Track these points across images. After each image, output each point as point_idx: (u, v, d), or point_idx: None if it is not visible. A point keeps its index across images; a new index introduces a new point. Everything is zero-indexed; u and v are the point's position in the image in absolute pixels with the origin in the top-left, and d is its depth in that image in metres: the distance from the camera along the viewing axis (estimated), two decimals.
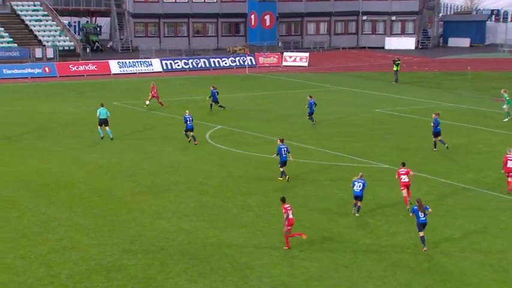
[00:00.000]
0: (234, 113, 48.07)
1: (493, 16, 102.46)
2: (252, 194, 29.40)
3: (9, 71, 67.04)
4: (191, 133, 38.14)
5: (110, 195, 29.28)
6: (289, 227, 23.36)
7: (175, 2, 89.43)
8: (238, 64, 75.63)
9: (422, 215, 23.38)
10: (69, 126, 43.35)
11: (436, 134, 36.67)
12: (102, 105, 39.76)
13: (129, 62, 72.35)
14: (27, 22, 78.29)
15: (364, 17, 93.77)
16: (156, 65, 73.18)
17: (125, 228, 25.38)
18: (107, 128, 39.19)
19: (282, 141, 31.53)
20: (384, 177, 31.54)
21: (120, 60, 72.80)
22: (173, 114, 45.88)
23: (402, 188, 27.82)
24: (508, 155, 29.82)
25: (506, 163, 29.70)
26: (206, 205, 28.06)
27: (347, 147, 37.69)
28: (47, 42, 75.57)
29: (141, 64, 72.65)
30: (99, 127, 39.31)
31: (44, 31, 77.43)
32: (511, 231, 25.35)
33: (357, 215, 26.67)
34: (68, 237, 24.39)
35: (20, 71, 67.48)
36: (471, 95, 57.97)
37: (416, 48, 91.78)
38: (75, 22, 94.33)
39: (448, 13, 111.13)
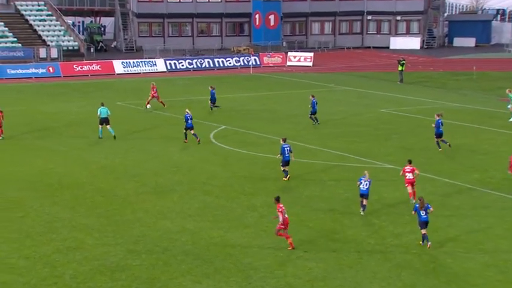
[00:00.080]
0: (239, 113, 48.02)
1: (499, 16, 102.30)
2: (257, 194, 29.32)
3: (13, 71, 67.12)
4: (191, 132, 38.11)
5: (113, 196, 29.24)
6: (282, 226, 23.29)
7: (180, 1, 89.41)
8: (242, 64, 75.60)
9: (424, 213, 23.49)
10: (73, 126, 43.36)
11: (439, 135, 36.55)
12: (102, 105, 39.82)
13: (133, 62, 72.37)
14: (31, 22, 78.35)
15: (369, 17, 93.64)
16: (160, 65, 73.17)
17: (128, 228, 25.33)
18: (108, 126, 39.19)
19: (284, 140, 31.48)
20: (389, 178, 31.45)
21: (124, 60, 72.82)
22: (177, 114, 45.80)
23: (407, 184, 27.92)
24: None
25: None
26: (210, 205, 27.99)
27: (352, 148, 37.60)
28: (51, 42, 75.62)
29: (145, 64, 72.67)
30: (100, 126, 39.32)
31: (48, 31, 77.48)
32: None
33: (361, 213, 26.61)
34: (72, 238, 24.36)
35: (24, 71, 67.55)
36: (476, 95, 57.84)
37: (421, 48, 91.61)
38: (79, 22, 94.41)
39: (454, 13, 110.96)
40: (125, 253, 22.99)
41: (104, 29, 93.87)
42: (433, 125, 36.76)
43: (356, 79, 66.96)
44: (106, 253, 22.98)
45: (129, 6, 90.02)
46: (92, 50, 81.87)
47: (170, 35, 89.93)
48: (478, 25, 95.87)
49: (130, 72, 70.68)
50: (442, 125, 36.43)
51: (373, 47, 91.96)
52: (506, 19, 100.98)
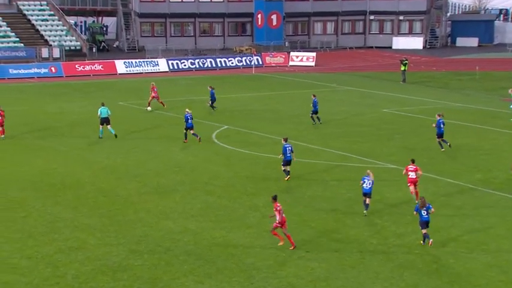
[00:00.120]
0: (241, 113, 48.00)
1: (502, 16, 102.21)
2: (259, 195, 29.28)
3: (15, 71, 67.16)
4: (191, 131, 38.08)
5: (115, 196, 29.22)
6: (279, 225, 23.25)
7: (182, 1, 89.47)
8: (244, 64, 75.58)
9: (425, 213, 23.53)
10: (75, 126, 43.35)
11: (441, 135, 36.49)
12: (102, 104, 39.85)
13: (136, 62, 72.38)
14: (34, 22, 78.41)
15: (372, 17, 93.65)
16: (162, 64, 73.18)
17: (131, 228, 25.31)
18: (108, 126, 39.19)
19: (286, 140, 31.47)
20: (391, 178, 31.40)
21: (127, 60, 72.84)
22: (179, 114, 45.72)
23: (409, 184, 27.89)
24: None
25: None
26: (212, 205, 27.96)
27: (354, 147, 37.56)
28: (53, 42, 75.67)
29: (147, 64, 72.67)
30: (100, 126, 39.32)
31: (50, 31, 77.53)
32: None
33: (365, 212, 26.56)
34: (74, 238, 24.34)
35: (26, 71, 67.58)
36: (479, 95, 57.77)
37: (424, 48, 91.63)
38: (81, 22, 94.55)
39: (456, 12, 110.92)
40: (127, 253, 22.97)
41: (106, 29, 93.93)
42: (434, 125, 36.72)
43: (358, 79, 66.91)
44: (108, 253, 22.96)
45: (131, 6, 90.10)
46: (94, 50, 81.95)
47: (172, 34, 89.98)
48: (480, 25, 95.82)
49: (132, 72, 70.69)
50: (443, 124, 36.38)
51: (376, 47, 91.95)
52: (509, 19, 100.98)
